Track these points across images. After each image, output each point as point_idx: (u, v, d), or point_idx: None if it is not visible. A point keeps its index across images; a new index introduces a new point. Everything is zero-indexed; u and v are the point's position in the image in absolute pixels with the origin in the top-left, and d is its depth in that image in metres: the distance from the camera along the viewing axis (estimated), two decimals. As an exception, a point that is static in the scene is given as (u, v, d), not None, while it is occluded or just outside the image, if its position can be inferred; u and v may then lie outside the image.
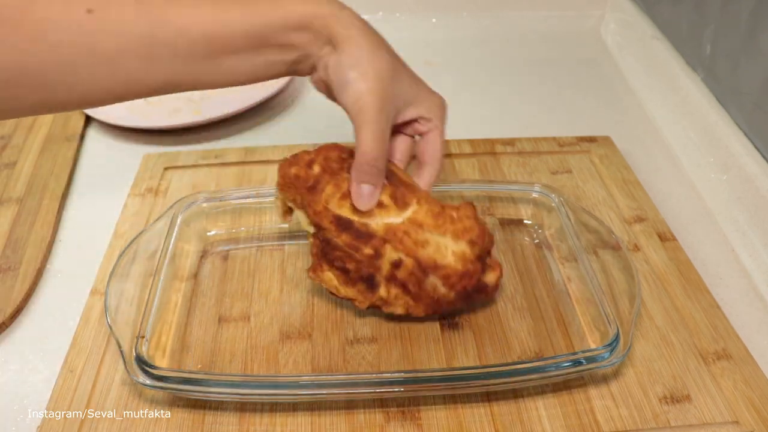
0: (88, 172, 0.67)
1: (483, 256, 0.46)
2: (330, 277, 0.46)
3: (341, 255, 0.45)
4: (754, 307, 0.52)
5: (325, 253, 0.45)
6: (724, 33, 0.65)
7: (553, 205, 0.56)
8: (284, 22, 0.42)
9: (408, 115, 0.46)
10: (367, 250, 0.44)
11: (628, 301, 0.47)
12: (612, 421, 0.43)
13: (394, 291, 0.46)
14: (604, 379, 0.45)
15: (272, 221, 0.58)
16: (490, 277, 0.47)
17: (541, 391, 0.44)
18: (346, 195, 0.44)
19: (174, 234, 0.53)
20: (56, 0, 0.39)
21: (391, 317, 0.49)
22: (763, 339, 0.49)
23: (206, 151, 0.67)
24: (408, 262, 0.44)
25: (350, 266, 0.45)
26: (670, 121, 0.72)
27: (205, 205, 0.56)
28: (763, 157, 0.58)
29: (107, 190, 0.63)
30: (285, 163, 0.46)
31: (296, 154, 0.47)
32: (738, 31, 0.62)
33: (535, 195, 0.57)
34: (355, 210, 0.44)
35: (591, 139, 0.68)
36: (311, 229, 0.46)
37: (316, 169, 0.45)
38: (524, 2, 0.96)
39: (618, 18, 0.90)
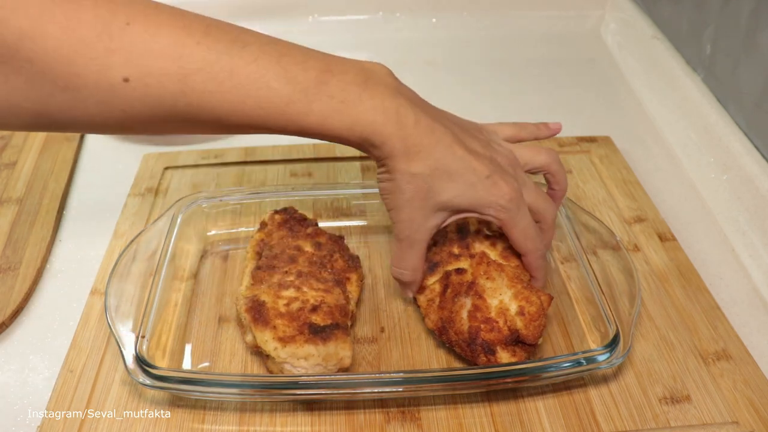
0: (88, 172, 0.67)
1: (517, 336, 0.44)
2: None
3: (440, 239, 0.51)
4: (754, 307, 0.52)
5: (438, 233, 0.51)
6: (724, 33, 0.65)
7: (553, 205, 0.56)
8: (349, 135, 0.43)
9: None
10: (455, 250, 0.50)
11: (628, 302, 0.47)
12: (612, 421, 0.43)
13: (437, 289, 0.48)
14: (604, 380, 0.45)
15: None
16: (503, 356, 0.44)
17: (541, 391, 0.44)
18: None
19: (174, 234, 0.53)
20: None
21: (392, 317, 0.50)
22: (763, 339, 0.49)
23: (206, 151, 0.67)
24: (467, 277, 0.47)
25: (435, 248, 0.51)
26: (670, 121, 0.72)
27: (205, 205, 0.56)
28: (763, 157, 0.58)
29: (107, 190, 0.63)
30: None
31: None
32: (738, 31, 0.62)
33: (535, 195, 0.57)
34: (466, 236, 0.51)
35: (591, 139, 0.68)
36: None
37: None
38: (524, 2, 0.96)
39: (618, 18, 0.90)
